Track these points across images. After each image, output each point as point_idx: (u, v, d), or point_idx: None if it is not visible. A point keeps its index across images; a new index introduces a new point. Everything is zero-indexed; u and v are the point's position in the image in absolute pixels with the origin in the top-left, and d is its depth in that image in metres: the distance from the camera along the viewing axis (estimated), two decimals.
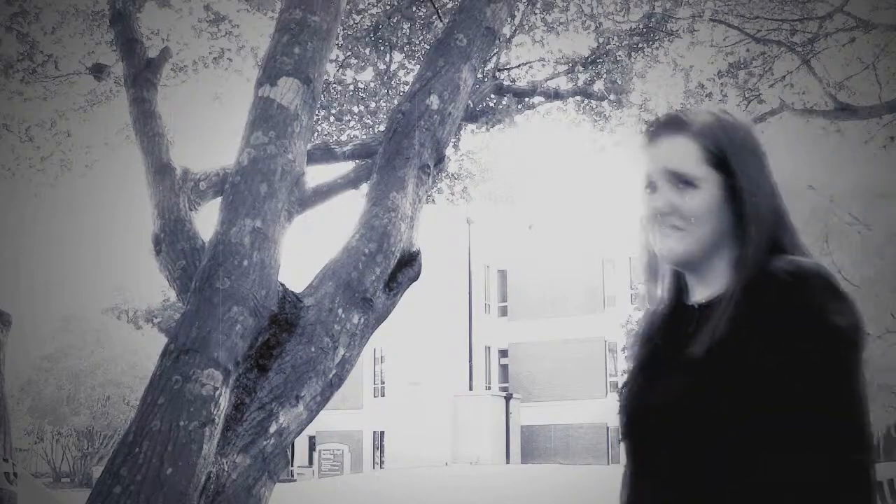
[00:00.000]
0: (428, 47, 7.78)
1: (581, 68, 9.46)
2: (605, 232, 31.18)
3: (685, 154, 1.48)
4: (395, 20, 8.40)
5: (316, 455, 36.73)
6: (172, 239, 4.11)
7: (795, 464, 1.25)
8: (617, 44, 9.32)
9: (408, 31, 8.56)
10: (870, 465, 1.27)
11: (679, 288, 1.53)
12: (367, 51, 8.60)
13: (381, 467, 36.31)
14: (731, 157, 1.47)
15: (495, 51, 8.34)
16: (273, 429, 2.93)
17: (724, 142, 1.48)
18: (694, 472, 1.33)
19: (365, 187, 4.79)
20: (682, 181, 1.47)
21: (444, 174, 9.03)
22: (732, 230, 1.46)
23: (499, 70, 8.99)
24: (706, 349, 1.35)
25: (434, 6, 7.95)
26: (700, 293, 1.49)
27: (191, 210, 4.49)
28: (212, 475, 2.60)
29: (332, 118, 8.65)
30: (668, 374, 1.42)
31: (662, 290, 1.57)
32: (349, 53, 8.73)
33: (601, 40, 9.37)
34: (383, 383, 36.64)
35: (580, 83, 9.53)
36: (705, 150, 1.47)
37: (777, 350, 1.29)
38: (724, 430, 1.30)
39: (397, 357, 34.35)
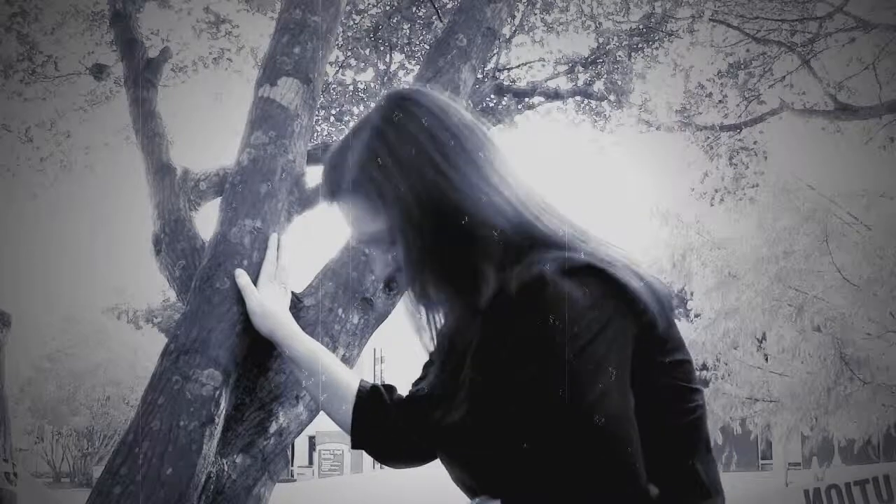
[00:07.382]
0: (428, 47, 7.78)
1: (581, 68, 9.46)
2: (604, 231, 31.22)
3: (355, 216, 1.29)
4: (395, 20, 8.40)
5: (316, 455, 36.78)
6: (172, 239, 4.10)
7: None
8: (617, 44, 9.32)
9: (408, 31, 8.56)
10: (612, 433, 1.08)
11: None
12: (367, 51, 8.60)
13: (381, 467, 36.34)
14: (384, 183, 1.23)
15: (495, 51, 8.34)
16: (273, 429, 2.94)
17: (370, 172, 1.24)
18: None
19: None
20: (377, 239, 1.28)
21: None
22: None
23: (499, 70, 8.98)
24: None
25: (434, 6, 7.94)
26: None
27: (191, 210, 4.48)
28: (212, 475, 2.61)
29: (332, 118, 8.65)
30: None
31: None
32: (349, 54, 8.73)
33: (601, 40, 9.37)
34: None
35: (580, 83, 9.53)
36: (367, 199, 1.25)
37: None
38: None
39: (397, 357, 34.37)
